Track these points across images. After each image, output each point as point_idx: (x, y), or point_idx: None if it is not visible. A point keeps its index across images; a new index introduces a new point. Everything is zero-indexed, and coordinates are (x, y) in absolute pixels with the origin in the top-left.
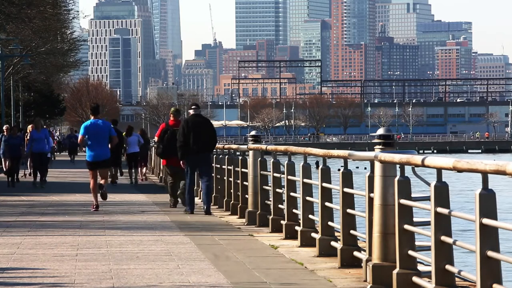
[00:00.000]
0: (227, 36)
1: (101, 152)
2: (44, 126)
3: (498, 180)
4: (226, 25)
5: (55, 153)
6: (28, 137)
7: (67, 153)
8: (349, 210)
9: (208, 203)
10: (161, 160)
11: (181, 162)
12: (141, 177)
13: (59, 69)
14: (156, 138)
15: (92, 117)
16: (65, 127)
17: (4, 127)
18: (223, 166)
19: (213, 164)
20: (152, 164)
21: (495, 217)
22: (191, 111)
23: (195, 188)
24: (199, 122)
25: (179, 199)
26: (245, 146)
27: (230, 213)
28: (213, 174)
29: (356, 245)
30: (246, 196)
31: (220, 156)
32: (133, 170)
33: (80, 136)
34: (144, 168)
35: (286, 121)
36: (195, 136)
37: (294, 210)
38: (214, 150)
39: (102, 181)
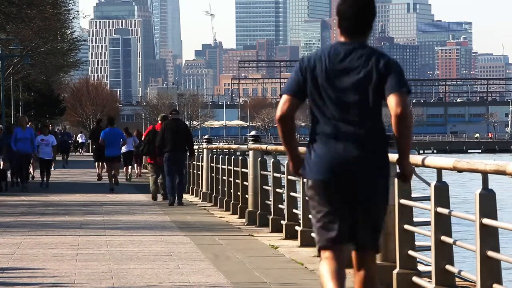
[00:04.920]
0: (227, 36)
1: (115, 151)
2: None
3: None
4: (226, 25)
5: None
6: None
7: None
8: None
9: (180, 197)
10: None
11: (157, 158)
12: (137, 174)
13: (59, 69)
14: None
15: (109, 126)
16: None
17: None
18: (223, 166)
19: (213, 164)
20: None
21: (495, 217)
22: (171, 116)
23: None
24: (177, 125)
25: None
26: (245, 146)
27: (230, 213)
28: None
29: None
30: (246, 196)
31: (220, 156)
32: (129, 168)
33: (100, 140)
34: (139, 166)
35: None
36: (172, 138)
37: (294, 210)
38: (214, 150)
39: (114, 174)
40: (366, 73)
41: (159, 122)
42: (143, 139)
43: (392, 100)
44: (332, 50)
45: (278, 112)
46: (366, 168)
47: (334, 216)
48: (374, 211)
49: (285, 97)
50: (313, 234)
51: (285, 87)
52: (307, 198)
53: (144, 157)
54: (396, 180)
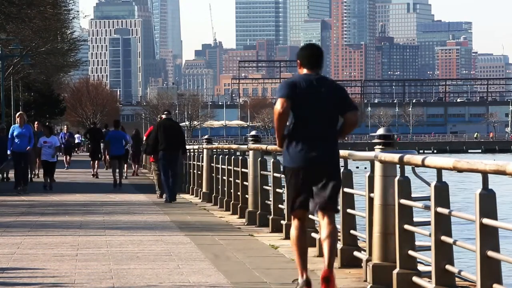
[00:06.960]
0: (227, 36)
1: (119, 150)
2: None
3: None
4: (226, 25)
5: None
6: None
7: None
8: (349, 210)
9: (174, 194)
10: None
11: (152, 156)
12: (133, 173)
13: (59, 69)
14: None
15: (113, 128)
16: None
17: None
18: (223, 166)
19: (213, 164)
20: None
21: (495, 217)
22: (164, 116)
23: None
24: (169, 125)
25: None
26: (245, 146)
27: (230, 213)
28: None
29: (356, 245)
30: (246, 196)
31: (220, 156)
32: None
33: (105, 141)
34: (137, 165)
35: None
36: (165, 137)
37: None
38: (214, 150)
39: (119, 172)
40: (329, 94)
41: None
42: (144, 139)
43: (351, 115)
44: (305, 78)
45: (280, 109)
46: (328, 159)
47: (302, 192)
48: (333, 184)
49: (282, 99)
50: (313, 234)
51: (280, 93)
52: (284, 179)
53: (143, 156)
54: (396, 181)
